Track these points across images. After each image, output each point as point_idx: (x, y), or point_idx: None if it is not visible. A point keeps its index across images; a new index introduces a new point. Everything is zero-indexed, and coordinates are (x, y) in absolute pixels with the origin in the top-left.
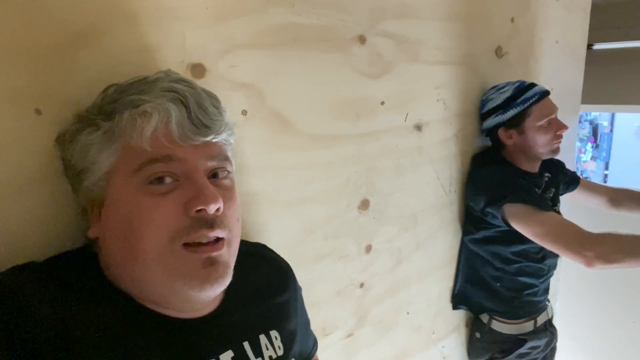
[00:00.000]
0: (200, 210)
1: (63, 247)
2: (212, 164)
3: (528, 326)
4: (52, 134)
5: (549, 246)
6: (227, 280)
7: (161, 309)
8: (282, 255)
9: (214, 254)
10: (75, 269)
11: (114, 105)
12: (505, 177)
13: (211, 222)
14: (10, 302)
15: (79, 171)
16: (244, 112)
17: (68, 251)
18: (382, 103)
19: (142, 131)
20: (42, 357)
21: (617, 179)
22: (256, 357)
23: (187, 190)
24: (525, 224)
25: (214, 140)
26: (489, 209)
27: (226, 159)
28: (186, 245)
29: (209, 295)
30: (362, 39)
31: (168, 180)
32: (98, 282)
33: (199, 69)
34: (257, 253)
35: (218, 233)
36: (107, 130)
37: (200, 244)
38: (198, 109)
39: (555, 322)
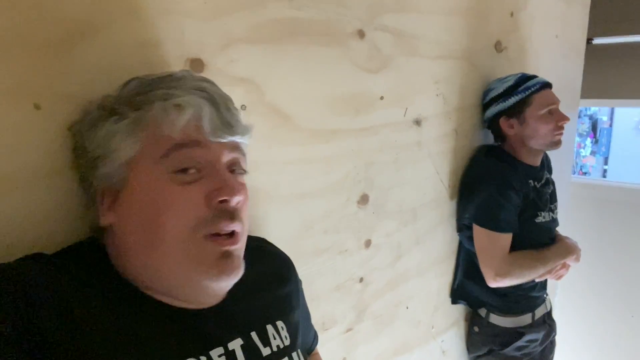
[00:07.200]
0: (222, 201)
1: (65, 241)
2: (233, 155)
3: (526, 319)
4: (51, 128)
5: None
6: (241, 271)
7: (168, 299)
8: (281, 249)
9: (232, 247)
10: (83, 259)
11: (143, 97)
12: (496, 196)
13: (232, 214)
14: (17, 292)
15: (95, 158)
16: (243, 107)
17: (75, 243)
18: (381, 98)
19: (174, 123)
20: (49, 346)
21: (617, 174)
22: (264, 346)
23: (211, 181)
24: (477, 238)
25: (237, 140)
26: (467, 218)
27: (244, 154)
28: (206, 236)
29: (224, 287)
30: (361, 34)
31: (192, 170)
32: (105, 272)
33: (197, 64)
34: (259, 246)
35: (236, 226)
36: (135, 120)
37: (218, 235)
38: (225, 109)
39: (554, 316)
